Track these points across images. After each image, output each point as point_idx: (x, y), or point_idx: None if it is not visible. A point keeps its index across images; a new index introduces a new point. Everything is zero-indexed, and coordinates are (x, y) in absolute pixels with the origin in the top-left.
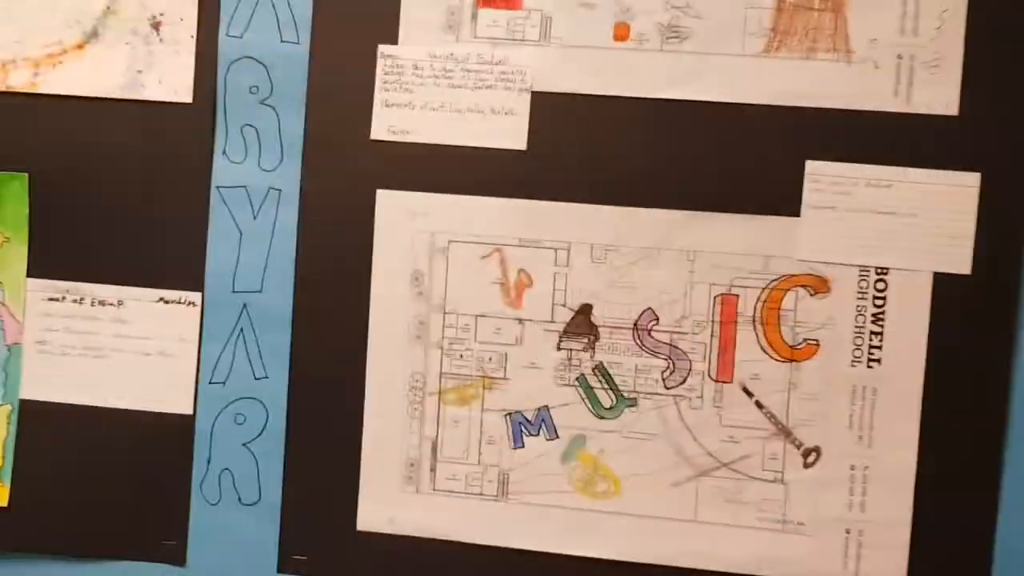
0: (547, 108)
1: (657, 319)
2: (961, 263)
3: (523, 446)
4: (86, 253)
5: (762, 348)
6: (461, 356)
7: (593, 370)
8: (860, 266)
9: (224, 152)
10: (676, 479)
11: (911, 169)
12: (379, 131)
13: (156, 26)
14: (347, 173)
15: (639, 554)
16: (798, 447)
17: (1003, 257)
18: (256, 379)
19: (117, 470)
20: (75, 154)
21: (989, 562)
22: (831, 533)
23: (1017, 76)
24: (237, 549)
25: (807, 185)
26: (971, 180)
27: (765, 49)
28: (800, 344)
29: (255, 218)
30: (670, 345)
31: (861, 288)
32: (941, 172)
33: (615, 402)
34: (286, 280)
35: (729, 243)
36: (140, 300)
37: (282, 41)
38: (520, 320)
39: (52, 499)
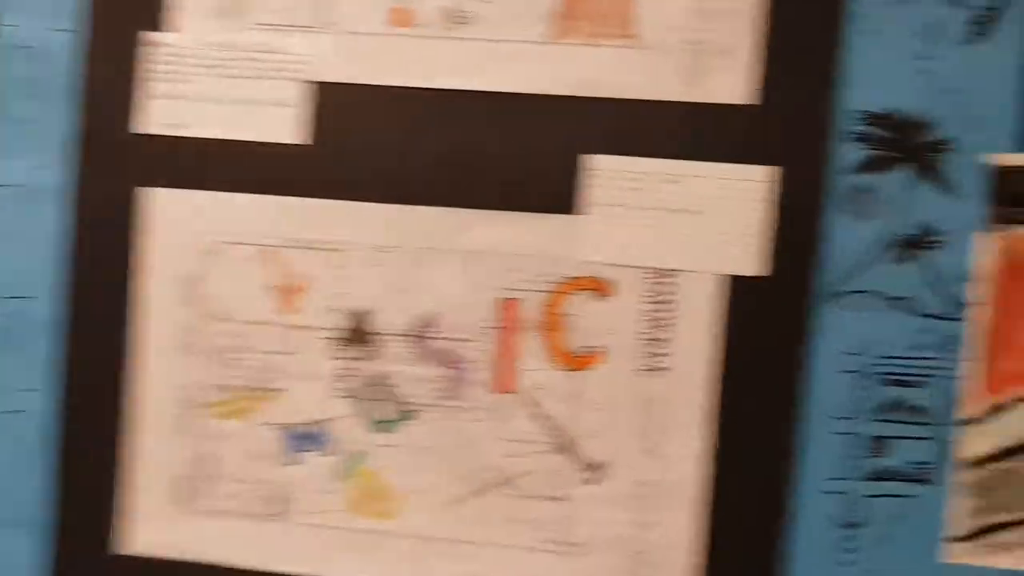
0: (330, 100)
1: (436, 325)
2: (751, 265)
3: (300, 462)
4: None
5: (545, 356)
6: (233, 366)
7: (370, 381)
8: (645, 268)
9: None
10: (454, 497)
11: (699, 163)
12: (151, 125)
13: None
14: (118, 170)
15: None
16: (582, 462)
17: (800, 258)
18: (24, 391)
19: None
20: None
21: None
22: (616, 555)
23: (819, 62)
24: None
25: (589, 181)
26: (762, 174)
27: (552, 35)
28: (584, 351)
29: (23, 219)
30: (449, 353)
31: (647, 291)
32: (732, 166)
33: (393, 415)
34: (56, 286)
35: (511, 243)
36: None
37: (54, 30)
38: (295, 327)
39: None
